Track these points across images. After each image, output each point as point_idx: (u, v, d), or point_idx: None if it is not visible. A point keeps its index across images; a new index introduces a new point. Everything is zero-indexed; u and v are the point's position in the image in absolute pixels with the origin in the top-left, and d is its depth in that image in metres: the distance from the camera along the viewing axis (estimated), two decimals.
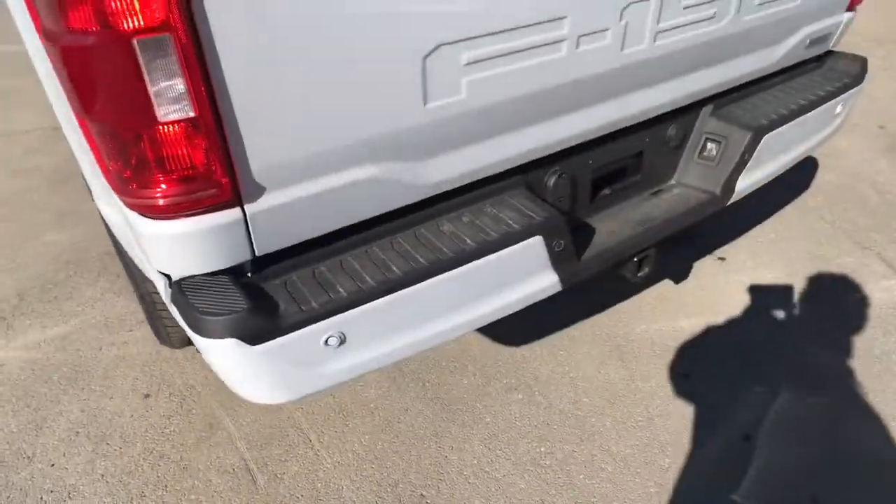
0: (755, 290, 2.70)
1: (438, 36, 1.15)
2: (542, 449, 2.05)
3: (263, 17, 0.99)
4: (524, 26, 1.25)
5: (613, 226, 1.74)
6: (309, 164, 1.15)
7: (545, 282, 1.51)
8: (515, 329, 2.53)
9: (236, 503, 1.89)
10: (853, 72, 2.20)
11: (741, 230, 3.08)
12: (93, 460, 2.02)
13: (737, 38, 1.76)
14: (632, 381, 2.29)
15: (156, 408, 2.21)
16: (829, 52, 2.30)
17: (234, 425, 2.14)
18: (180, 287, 1.18)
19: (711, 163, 1.87)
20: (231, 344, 1.13)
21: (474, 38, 1.20)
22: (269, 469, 1.99)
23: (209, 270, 1.18)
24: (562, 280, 1.54)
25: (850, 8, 2.13)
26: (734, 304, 2.63)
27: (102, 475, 1.97)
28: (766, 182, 2.04)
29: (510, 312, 1.53)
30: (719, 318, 2.55)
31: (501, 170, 1.47)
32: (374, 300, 1.23)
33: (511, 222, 1.40)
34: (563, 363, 2.37)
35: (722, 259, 2.90)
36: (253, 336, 1.14)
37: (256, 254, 1.20)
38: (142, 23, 0.89)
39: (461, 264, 1.32)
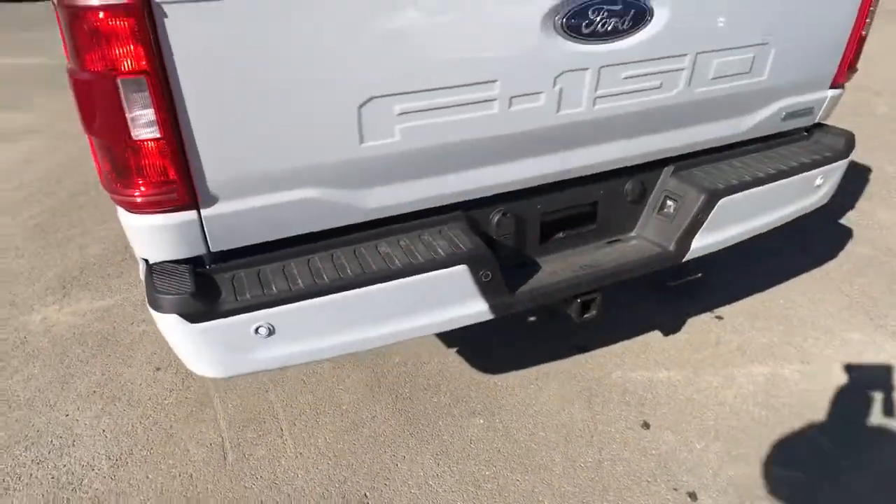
0: (743, 353, 2.68)
1: (370, 90, 1.37)
2: (487, 473, 2.17)
3: (221, 68, 1.24)
4: (455, 86, 1.45)
5: (558, 266, 1.86)
6: (256, 182, 1.39)
7: (474, 308, 1.67)
8: (496, 358, 2.66)
9: (204, 473, 2.14)
10: (837, 146, 2.21)
11: (749, 291, 3.06)
12: (99, 416, 2.35)
13: (692, 108, 1.86)
14: (593, 422, 2.35)
15: (162, 381, 2.53)
16: (819, 125, 2.31)
17: (222, 406, 2.41)
18: (150, 269, 1.45)
19: (668, 220, 1.96)
20: (174, 319, 1.38)
21: (405, 93, 1.41)
22: (241, 449, 2.24)
23: (173, 258, 1.45)
24: (491, 308, 1.69)
25: (836, 85, 2.17)
26: (719, 363, 2.62)
27: (104, 430, 2.29)
28: (735, 243, 2.09)
29: (439, 331, 1.69)
30: (699, 375, 2.56)
31: (440, 204, 1.66)
32: (301, 301, 1.46)
33: (440, 250, 1.58)
34: (531, 396, 2.48)
35: (719, 318, 2.89)
36: (192, 315, 1.38)
37: (211, 249, 1.45)
38: (125, 67, 1.19)
39: (385, 281, 1.51)
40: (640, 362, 2.64)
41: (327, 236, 1.58)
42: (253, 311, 1.42)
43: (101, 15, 1.15)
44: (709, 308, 2.95)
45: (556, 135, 1.67)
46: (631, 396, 2.47)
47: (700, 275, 3.10)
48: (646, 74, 1.68)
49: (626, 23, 1.56)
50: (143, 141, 1.27)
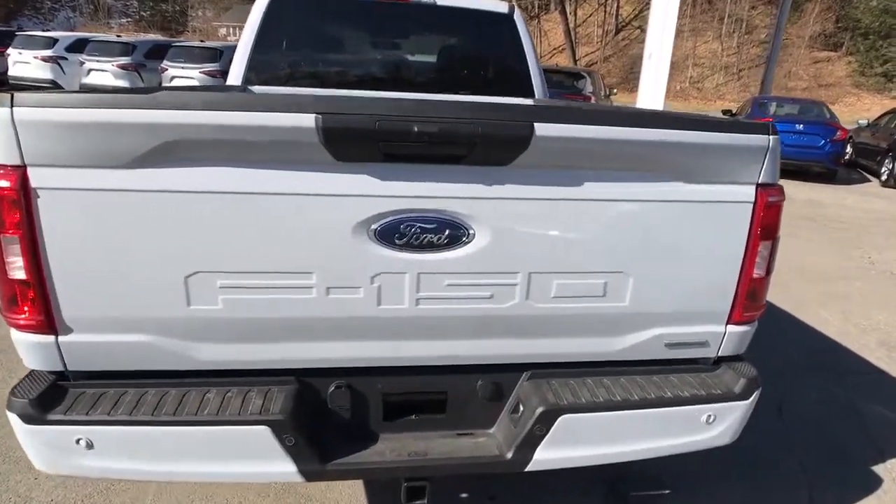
0: None
1: (196, 266, 1.65)
2: None
3: (76, 240, 1.60)
4: (271, 272, 1.69)
5: (390, 447, 1.89)
6: (104, 323, 1.71)
7: (280, 468, 1.75)
8: None
9: None
10: (733, 386, 1.96)
11: None
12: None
13: (537, 321, 1.83)
14: None
15: None
16: (738, 357, 2.06)
17: None
18: (29, 373, 1.83)
19: (515, 425, 1.91)
20: (14, 416, 1.69)
21: (227, 272, 1.69)
22: None
23: (39, 369, 1.80)
24: (300, 472, 1.76)
25: (738, 322, 1.97)
26: None
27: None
28: (600, 463, 1.95)
29: (252, 481, 1.82)
30: None
31: (275, 367, 1.83)
32: (115, 426, 1.71)
33: (251, 408, 1.76)
34: None
35: None
36: (26, 417, 1.70)
37: (69, 368, 1.78)
38: (4, 227, 1.62)
39: (194, 425, 1.72)
40: None
41: (174, 376, 1.85)
42: (74, 425, 1.71)
43: None
44: None
45: (382, 325, 1.80)
46: None
47: (667, 492, 2.90)
48: (472, 284, 1.78)
49: (443, 239, 1.71)
50: (15, 280, 1.68)
